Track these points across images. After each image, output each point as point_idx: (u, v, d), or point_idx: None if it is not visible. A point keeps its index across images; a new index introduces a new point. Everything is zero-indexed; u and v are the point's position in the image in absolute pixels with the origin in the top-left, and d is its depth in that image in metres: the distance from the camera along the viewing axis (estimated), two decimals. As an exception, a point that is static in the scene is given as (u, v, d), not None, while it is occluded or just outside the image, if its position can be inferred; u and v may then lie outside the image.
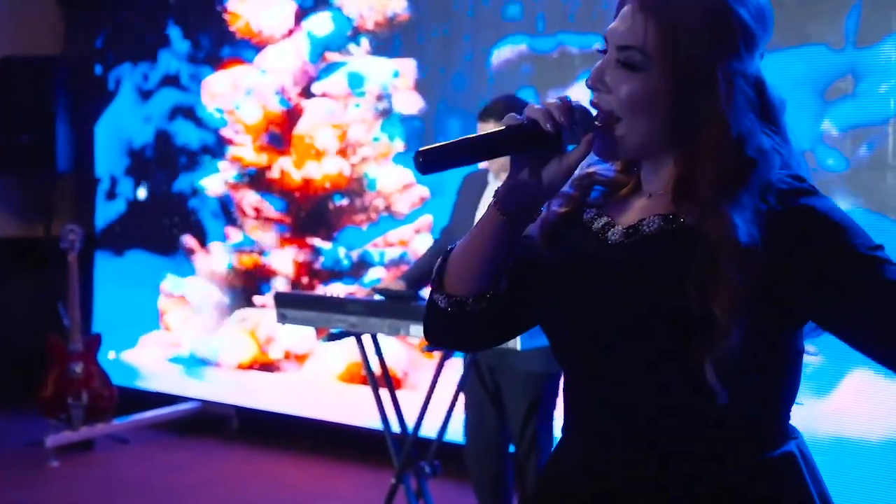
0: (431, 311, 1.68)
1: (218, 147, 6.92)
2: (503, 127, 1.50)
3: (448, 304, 1.63)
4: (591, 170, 1.66)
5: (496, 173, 4.11)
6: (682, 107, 1.50)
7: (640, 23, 1.50)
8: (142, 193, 7.38)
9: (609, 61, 1.53)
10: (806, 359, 1.61)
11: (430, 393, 3.97)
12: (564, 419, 1.69)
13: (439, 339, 1.79)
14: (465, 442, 4.26)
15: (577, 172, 1.61)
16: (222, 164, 6.89)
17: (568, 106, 1.50)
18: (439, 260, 1.67)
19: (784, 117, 1.59)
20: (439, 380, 3.99)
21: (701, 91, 1.49)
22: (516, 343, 3.34)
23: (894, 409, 4.56)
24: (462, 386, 3.94)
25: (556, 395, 4.08)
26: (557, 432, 1.80)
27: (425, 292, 4.22)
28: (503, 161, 4.02)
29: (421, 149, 1.42)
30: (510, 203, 1.55)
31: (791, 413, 1.60)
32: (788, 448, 1.56)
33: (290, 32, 6.59)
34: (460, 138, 1.47)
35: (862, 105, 4.68)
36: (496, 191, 1.56)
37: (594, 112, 1.53)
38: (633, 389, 1.53)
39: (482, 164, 4.09)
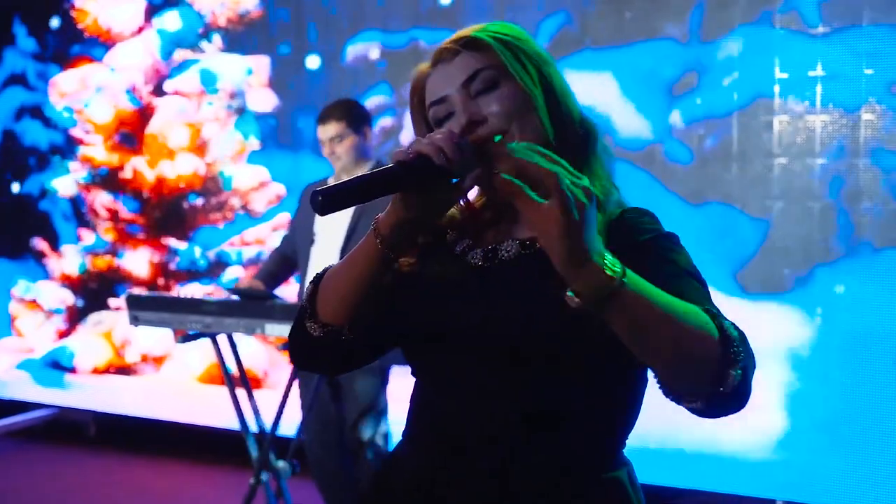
0: (303, 338, 1.64)
1: (68, 147, 6.71)
2: (393, 164, 1.44)
3: (323, 332, 1.60)
4: None
5: (337, 176, 4.14)
6: (547, 97, 1.56)
7: (473, 56, 1.57)
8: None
9: (464, 101, 1.55)
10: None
11: (287, 392, 3.90)
12: (410, 428, 1.71)
13: (309, 365, 1.76)
14: (304, 439, 4.22)
15: None
16: (73, 165, 6.68)
17: (456, 140, 1.46)
18: (309, 286, 1.64)
19: None
20: (296, 379, 3.94)
21: (549, 81, 1.58)
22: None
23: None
24: (318, 384, 3.89)
25: (385, 389, 4.12)
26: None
27: (278, 291, 4.17)
28: (346, 159, 4.07)
29: (319, 189, 1.38)
30: (394, 237, 1.51)
31: (626, 443, 1.64)
32: (621, 473, 1.61)
33: (141, 30, 6.42)
34: (356, 177, 1.42)
35: (707, 98, 4.76)
36: (376, 224, 1.52)
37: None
38: (492, 405, 1.55)
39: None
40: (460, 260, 1.62)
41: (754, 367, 1.37)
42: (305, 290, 1.64)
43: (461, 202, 1.66)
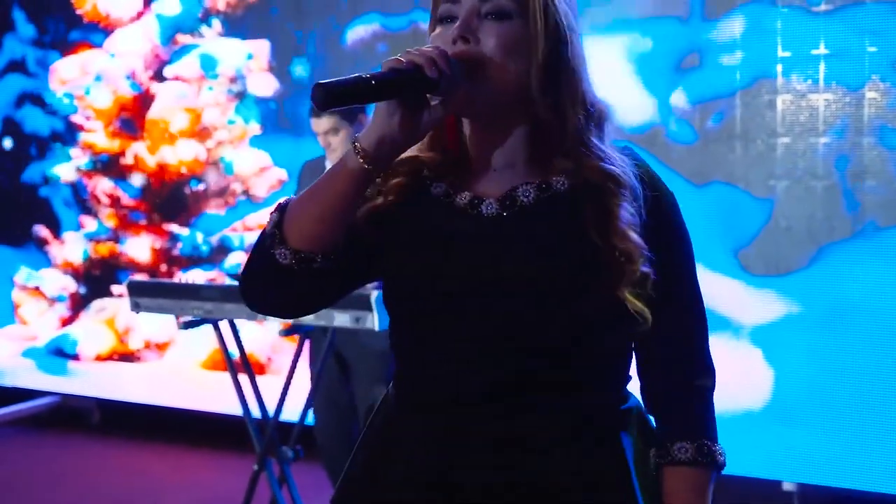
0: (264, 268, 1.54)
1: (69, 134, 6.68)
2: (387, 69, 1.43)
3: (293, 259, 1.51)
4: (410, 154, 1.61)
5: (333, 161, 4.07)
6: (550, 53, 1.51)
7: None
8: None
9: (470, 16, 1.51)
10: None
11: (290, 377, 3.89)
12: (407, 392, 1.67)
13: (267, 302, 1.66)
14: (315, 421, 4.20)
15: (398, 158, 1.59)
16: (74, 151, 6.65)
17: (446, 54, 1.46)
18: (274, 214, 1.55)
19: None
20: (299, 363, 3.93)
21: (563, 42, 1.52)
22: (374, 323, 3.29)
23: (747, 374, 4.64)
24: (320, 369, 3.87)
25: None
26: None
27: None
28: (341, 150, 4.02)
29: (321, 82, 1.37)
30: (376, 152, 1.47)
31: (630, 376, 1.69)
32: (634, 401, 1.66)
33: (140, 15, 6.37)
34: (353, 76, 1.40)
35: (709, 78, 4.74)
36: (356, 139, 1.48)
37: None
38: (525, 351, 1.53)
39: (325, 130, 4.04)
40: (469, 213, 1.57)
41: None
42: (269, 219, 1.55)
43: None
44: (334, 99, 1.39)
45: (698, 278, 1.64)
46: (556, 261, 1.50)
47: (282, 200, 1.57)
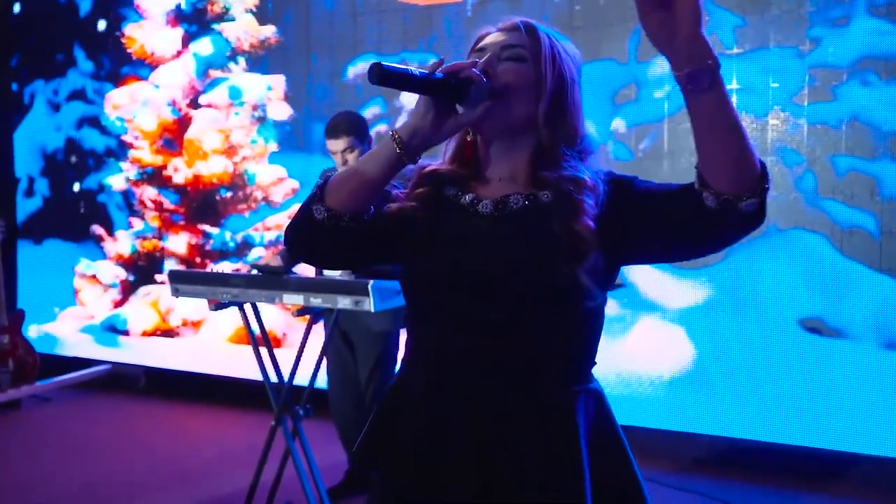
0: (306, 219, 1.54)
1: (120, 150, 6.64)
2: (436, 71, 1.46)
3: (327, 215, 1.51)
4: (432, 168, 1.62)
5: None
6: (554, 94, 1.54)
7: (523, 36, 1.56)
8: (55, 191, 7.05)
9: (493, 57, 1.54)
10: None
11: (302, 349, 3.86)
12: (410, 357, 1.63)
13: (302, 246, 1.61)
14: (328, 390, 4.19)
15: (418, 173, 1.61)
16: (124, 165, 6.61)
17: (481, 75, 1.49)
18: (322, 179, 1.56)
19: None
20: (309, 338, 3.90)
21: (565, 86, 1.56)
22: (370, 305, 3.26)
23: (672, 348, 4.65)
24: (327, 343, 3.85)
25: (396, 347, 4.06)
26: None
27: (296, 269, 4.13)
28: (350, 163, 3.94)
29: (380, 62, 1.38)
30: (409, 140, 1.48)
31: (595, 361, 1.61)
32: (595, 384, 1.60)
33: (179, 53, 6.34)
34: (407, 69, 1.41)
35: (643, 108, 4.74)
36: (395, 129, 1.49)
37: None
38: (497, 332, 1.50)
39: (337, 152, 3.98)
40: (468, 210, 1.56)
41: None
42: (319, 182, 1.55)
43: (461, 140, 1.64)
44: (384, 79, 1.38)
45: None
46: (531, 261, 1.46)
47: (328, 174, 1.59)
